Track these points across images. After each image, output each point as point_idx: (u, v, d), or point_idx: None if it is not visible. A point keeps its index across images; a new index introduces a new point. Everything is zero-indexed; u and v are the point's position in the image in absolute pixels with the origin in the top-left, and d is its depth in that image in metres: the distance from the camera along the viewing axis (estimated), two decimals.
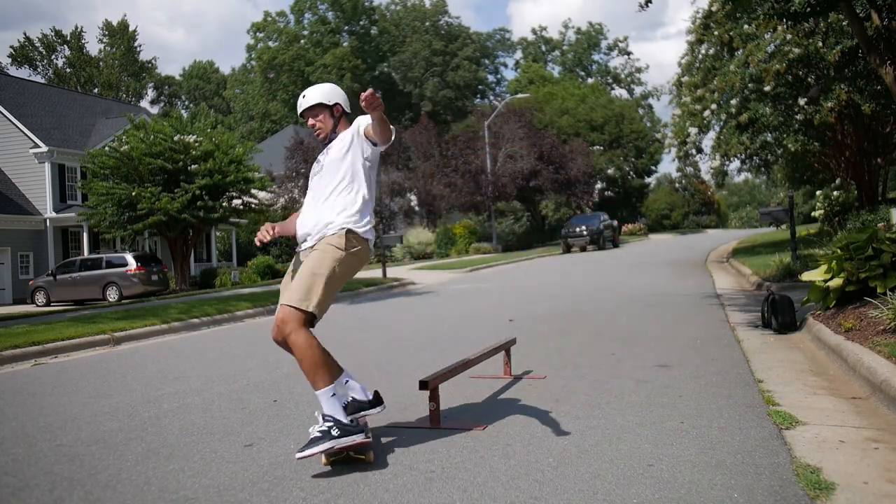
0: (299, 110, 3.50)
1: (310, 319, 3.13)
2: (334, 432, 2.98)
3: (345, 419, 3.05)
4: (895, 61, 6.96)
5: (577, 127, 52.26)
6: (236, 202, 23.02)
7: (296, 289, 3.13)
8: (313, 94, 3.46)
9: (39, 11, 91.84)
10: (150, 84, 64.53)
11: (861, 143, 16.49)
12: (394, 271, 20.69)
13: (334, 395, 3.09)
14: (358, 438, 3.03)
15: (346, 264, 3.23)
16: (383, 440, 3.44)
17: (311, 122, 3.47)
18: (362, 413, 3.24)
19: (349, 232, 3.24)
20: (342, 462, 3.08)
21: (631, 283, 12.70)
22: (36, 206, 27.20)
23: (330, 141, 3.43)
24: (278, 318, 3.12)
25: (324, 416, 3.05)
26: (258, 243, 3.34)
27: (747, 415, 3.53)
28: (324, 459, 3.10)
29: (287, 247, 32.25)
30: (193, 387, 5.17)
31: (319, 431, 3.01)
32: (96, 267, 22.44)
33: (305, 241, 3.33)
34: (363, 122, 3.32)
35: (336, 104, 3.46)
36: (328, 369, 3.10)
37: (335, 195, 3.29)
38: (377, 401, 3.30)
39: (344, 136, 3.37)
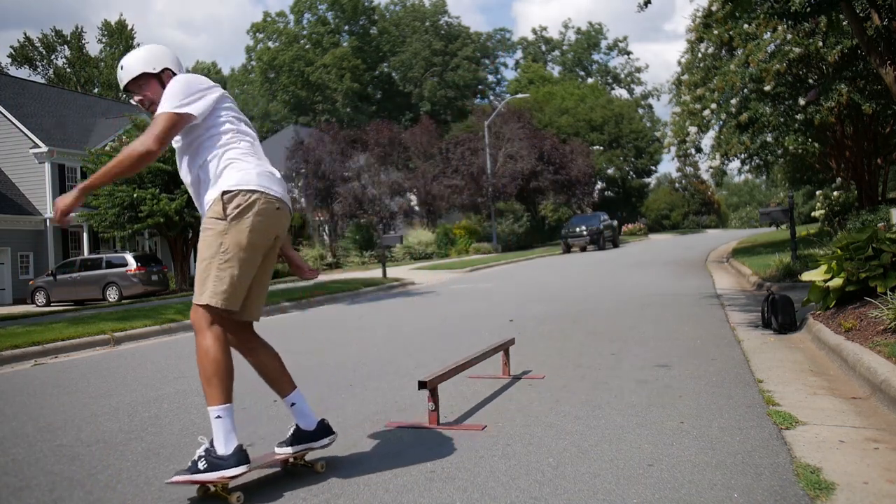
0: (121, 84, 2.90)
1: (217, 315, 2.67)
2: (200, 464, 2.59)
3: (224, 448, 2.61)
4: (895, 61, 6.96)
5: (576, 127, 52.32)
6: None
7: (196, 282, 2.73)
8: (134, 63, 2.82)
9: (46, 12, 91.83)
10: None
11: (861, 143, 16.49)
12: (394, 271, 20.69)
13: (220, 417, 2.65)
14: (226, 473, 2.56)
15: (241, 231, 2.67)
16: (383, 440, 3.44)
17: (136, 97, 2.87)
18: (304, 447, 2.89)
19: (224, 194, 2.69)
20: (331, 465, 3.08)
21: (631, 283, 12.69)
22: (36, 206, 27.21)
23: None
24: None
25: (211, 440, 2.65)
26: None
27: (747, 415, 3.53)
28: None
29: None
30: (193, 387, 5.16)
31: (191, 460, 2.65)
32: (96, 267, 22.45)
33: None
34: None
35: (165, 69, 2.87)
36: (222, 385, 2.65)
37: (201, 170, 2.79)
38: (324, 431, 2.94)
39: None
